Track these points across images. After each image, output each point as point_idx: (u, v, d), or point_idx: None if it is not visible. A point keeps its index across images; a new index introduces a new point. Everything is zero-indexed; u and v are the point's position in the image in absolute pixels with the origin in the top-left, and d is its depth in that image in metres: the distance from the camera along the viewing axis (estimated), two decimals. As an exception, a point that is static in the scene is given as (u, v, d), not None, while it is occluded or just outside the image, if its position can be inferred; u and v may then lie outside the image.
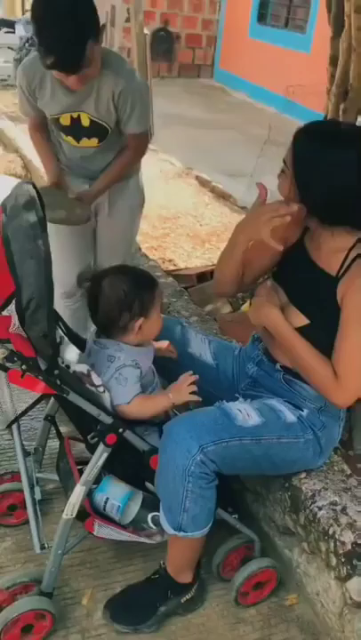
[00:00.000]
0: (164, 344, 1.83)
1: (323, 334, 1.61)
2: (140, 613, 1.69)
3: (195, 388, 1.67)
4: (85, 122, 2.06)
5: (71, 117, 2.07)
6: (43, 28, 1.83)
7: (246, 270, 1.82)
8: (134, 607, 1.70)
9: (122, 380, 1.61)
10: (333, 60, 2.68)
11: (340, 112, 2.62)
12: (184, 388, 1.66)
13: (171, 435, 1.57)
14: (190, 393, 1.66)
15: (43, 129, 2.25)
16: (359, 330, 1.56)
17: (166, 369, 1.79)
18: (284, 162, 1.59)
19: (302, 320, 1.65)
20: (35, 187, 1.45)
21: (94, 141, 2.12)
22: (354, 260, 1.58)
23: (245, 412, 1.63)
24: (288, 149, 1.58)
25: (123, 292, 1.60)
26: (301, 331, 1.63)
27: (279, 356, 1.76)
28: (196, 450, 1.51)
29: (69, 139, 2.15)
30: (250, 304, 1.78)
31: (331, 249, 1.64)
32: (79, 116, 2.05)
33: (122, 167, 2.24)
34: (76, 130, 2.10)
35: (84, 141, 2.13)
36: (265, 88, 8.84)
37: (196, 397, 1.67)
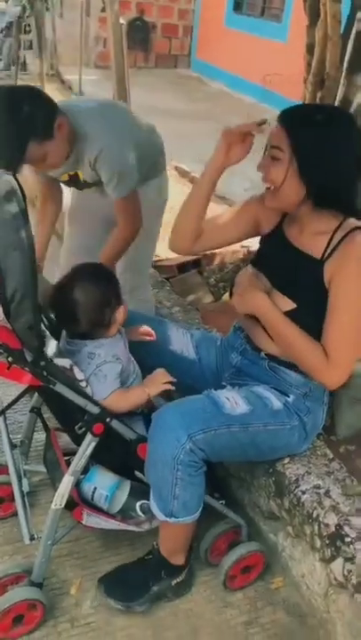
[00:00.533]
0: (138, 329, 1.84)
1: (310, 317, 1.62)
2: (133, 591, 1.72)
3: (169, 378, 1.68)
4: (82, 177, 2.19)
5: (69, 175, 2.20)
6: None
7: (209, 229, 1.81)
8: (128, 584, 1.73)
9: (101, 376, 1.62)
10: (310, 49, 2.68)
11: (318, 100, 2.64)
12: (158, 379, 1.68)
13: (159, 423, 1.58)
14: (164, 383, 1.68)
15: (48, 192, 2.43)
16: (349, 309, 1.58)
17: (150, 368, 1.76)
18: (275, 147, 1.57)
19: (288, 304, 1.65)
20: (15, 177, 1.44)
21: (94, 188, 2.25)
22: (340, 241, 1.60)
23: (233, 400, 1.65)
24: (275, 136, 1.56)
25: (99, 292, 1.62)
26: (288, 315, 1.64)
27: (263, 343, 1.77)
28: (184, 438, 1.53)
29: (72, 189, 2.34)
30: (230, 293, 1.79)
31: (314, 231, 1.65)
32: (76, 173, 2.18)
33: (115, 243, 2.21)
34: (76, 183, 2.24)
35: (87, 190, 2.28)
36: (242, 77, 8.83)
37: (169, 387, 1.68)
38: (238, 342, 1.86)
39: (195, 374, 1.90)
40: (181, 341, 1.95)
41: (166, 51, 10.87)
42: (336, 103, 2.76)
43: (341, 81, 2.74)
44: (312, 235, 1.66)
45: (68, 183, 2.26)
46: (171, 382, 1.69)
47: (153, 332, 1.86)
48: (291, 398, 1.73)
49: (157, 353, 1.86)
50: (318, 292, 1.61)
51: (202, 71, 10.34)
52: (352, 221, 1.62)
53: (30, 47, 7.99)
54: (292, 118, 1.58)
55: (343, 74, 2.72)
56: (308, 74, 2.70)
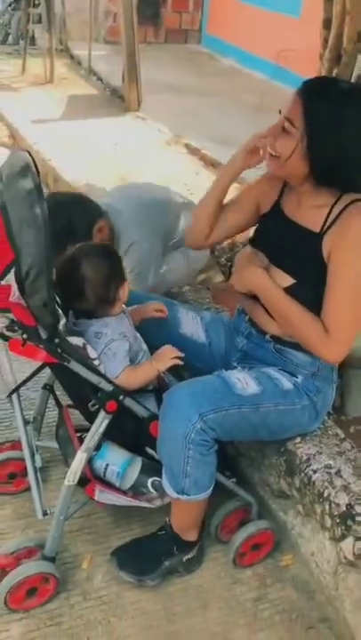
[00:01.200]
0: (148, 305, 1.85)
1: (309, 292, 1.61)
2: (145, 565, 1.74)
3: (177, 353, 1.69)
4: None
5: None
6: None
7: (218, 224, 1.83)
8: (140, 559, 1.75)
9: (110, 355, 1.62)
10: (327, 24, 2.63)
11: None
12: (166, 354, 1.68)
13: (171, 403, 1.58)
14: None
15: None
16: (349, 283, 1.57)
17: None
18: (289, 120, 1.55)
19: (287, 280, 1.64)
20: (30, 154, 1.43)
21: None
22: (339, 214, 1.58)
23: (244, 381, 1.65)
24: (291, 108, 1.55)
25: (107, 267, 1.62)
26: (287, 291, 1.63)
27: (266, 325, 1.76)
28: (196, 418, 1.53)
29: None
30: (229, 274, 1.79)
31: (312, 205, 1.64)
32: None
33: None
34: None
35: None
36: (253, 54, 8.67)
37: (178, 361, 1.68)
38: (243, 326, 1.85)
39: (204, 358, 1.90)
40: (191, 324, 1.94)
41: (177, 26, 10.67)
42: (353, 80, 2.72)
43: (358, 57, 2.70)
44: (310, 208, 1.64)
45: None
46: (179, 357, 1.69)
47: (165, 307, 1.86)
48: (299, 379, 1.73)
49: (167, 336, 1.85)
50: (317, 267, 1.60)
51: (212, 47, 10.16)
52: (350, 195, 1.60)
53: (39, 21, 7.84)
54: (311, 93, 1.54)
55: None
56: (325, 50, 2.65)
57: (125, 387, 1.62)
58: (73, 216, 2.09)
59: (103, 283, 1.61)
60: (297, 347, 1.71)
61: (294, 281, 1.64)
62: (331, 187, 1.60)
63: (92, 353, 1.59)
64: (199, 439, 1.55)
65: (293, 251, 1.65)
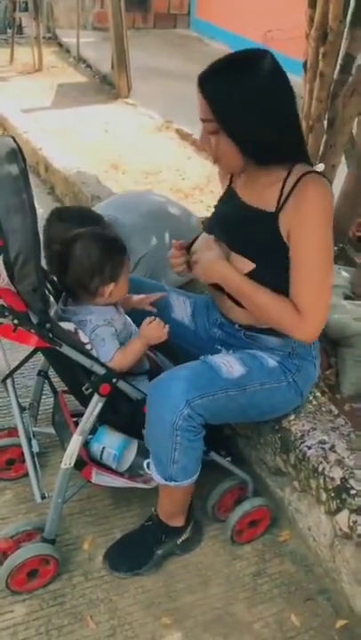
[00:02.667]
0: (139, 297, 1.84)
1: (272, 275, 1.59)
2: (138, 559, 1.76)
3: (162, 324, 1.67)
4: None
5: None
6: None
7: None
8: (131, 553, 1.77)
9: (99, 340, 1.62)
10: (312, 2, 2.61)
11: (320, 56, 2.58)
12: (153, 327, 1.66)
13: (157, 390, 1.58)
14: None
15: None
16: (315, 261, 1.54)
17: None
18: (204, 120, 1.52)
19: (248, 265, 1.61)
20: (15, 140, 1.43)
21: None
22: (292, 189, 1.54)
23: (229, 364, 1.65)
24: (200, 108, 1.51)
25: (95, 256, 1.59)
26: (249, 276, 1.60)
27: (232, 314, 1.75)
28: (183, 404, 1.53)
29: None
30: (187, 263, 1.74)
31: (263, 183, 1.60)
32: None
33: None
34: None
35: None
36: (243, 36, 8.61)
37: (165, 330, 1.67)
38: (215, 316, 1.84)
39: (193, 341, 1.90)
40: (182, 309, 1.94)
41: (165, 10, 10.57)
42: (339, 59, 2.71)
43: (344, 35, 2.68)
44: (262, 187, 1.61)
45: None
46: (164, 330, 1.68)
47: (155, 304, 1.85)
48: (278, 359, 1.72)
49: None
50: (276, 247, 1.57)
51: (202, 31, 10.08)
52: (301, 167, 1.57)
53: (26, 9, 7.78)
54: (205, 84, 1.49)
55: (346, 27, 2.67)
56: (310, 28, 2.63)
57: (119, 368, 1.63)
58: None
59: (86, 269, 1.59)
60: (267, 331, 1.70)
61: (255, 265, 1.60)
62: (276, 162, 1.56)
63: (83, 338, 1.61)
64: (186, 425, 1.54)
65: (250, 234, 1.62)
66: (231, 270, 1.62)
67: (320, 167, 1.67)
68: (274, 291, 1.59)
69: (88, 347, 1.61)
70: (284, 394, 1.73)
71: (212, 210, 1.83)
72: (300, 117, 2.81)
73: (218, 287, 1.70)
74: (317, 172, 1.56)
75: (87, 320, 1.63)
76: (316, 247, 1.53)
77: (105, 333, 1.63)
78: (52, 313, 1.58)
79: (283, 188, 1.56)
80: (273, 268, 1.59)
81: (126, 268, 1.67)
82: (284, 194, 1.56)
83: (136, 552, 1.77)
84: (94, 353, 1.61)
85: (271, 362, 1.70)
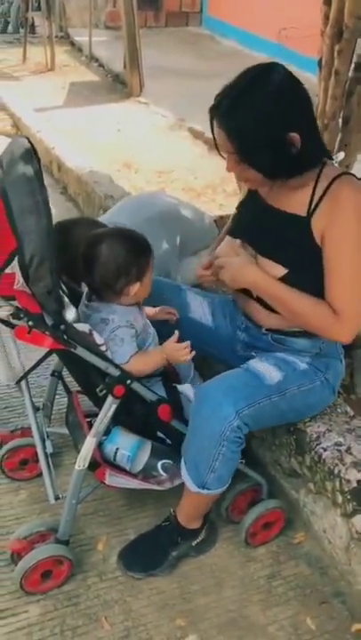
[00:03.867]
0: (153, 310, 1.82)
1: (304, 278, 1.57)
2: (152, 559, 1.75)
3: (187, 348, 1.67)
4: None
5: None
6: None
7: None
8: (146, 554, 1.76)
9: (118, 340, 1.63)
10: None
11: (336, 54, 2.56)
12: (177, 348, 1.67)
13: (205, 400, 1.57)
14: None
15: None
16: (350, 261, 1.53)
17: (168, 336, 1.74)
18: (226, 152, 1.52)
19: (279, 270, 1.59)
20: (29, 141, 1.43)
21: None
22: (324, 192, 1.53)
23: (268, 370, 1.65)
24: (218, 142, 1.52)
25: (122, 257, 1.60)
26: (282, 280, 1.58)
27: (260, 319, 1.73)
28: (233, 416, 1.53)
29: None
30: (210, 267, 1.72)
31: (292, 187, 1.57)
32: None
33: None
34: None
35: None
36: (255, 34, 8.57)
37: (187, 358, 1.67)
38: (240, 320, 1.83)
39: (213, 342, 1.89)
40: (200, 309, 1.93)
41: (177, 8, 10.55)
42: (354, 56, 2.68)
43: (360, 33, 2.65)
44: (291, 190, 1.58)
45: None
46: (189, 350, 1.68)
47: (176, 313, 1.85)
48: (308, 360, 1.72)
49: (176, 321, 1.85)
50: (309, 251, 1.55)
51: (214, 28, 10.05)
52: (331, 169, 1.56)
53: (38, 8, 7.82)
54: (221, 116, 1.48)
55: (362, 24, 2.64)
56: (326, 26, 2.61)
57: (134, 373, 1.63)
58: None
59: (112, 270, 1.60)
60: (295, 334, 1.69)
61: (286, 270, 1.58)
62: (300, 171, 1.53)
63: (98, 339, 1.60)
64: (234, 436, 1.54)
65: (281, 238, 1.60)
66: (263, 276, 1.59)
67: (341, 155, 1.65)
68: (308, 293, 1.57)
69: (103, 348, 1.60)
70: (318, 393, 1.72)
71: (230, 211, 1.81)
72: (315, 115, 2.80)
73: (245, 291, 1.69)
74: (349, 173, 1.56)
75: (110, 319, 1.63)
76: (352, 249, 1.52)
77: (125, 334, 1.63)
78: (72, 314, 1.58)
79: (314, 191, 1.54)
80: (306, 272, 1.57)
81: (151, 267, 1.67)
82: (315, 197, 1.54)
83: (151, 553, 1.77)
84: (110, 353, 1.61)
85: (302, 364, 1.70)
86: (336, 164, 1.60)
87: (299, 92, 1.48)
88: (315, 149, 1.54)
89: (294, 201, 1.58)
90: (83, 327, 1.59)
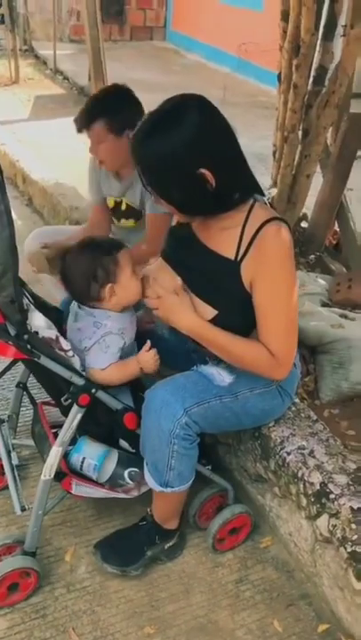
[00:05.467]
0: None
1: (233, 320, 1.59)
2: (128, 556, 1.76)
3: (157, 356, 1.70)
4: (124, 206, 2.40)
5: (115, 201, 2.42)
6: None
7: None
8: (123, 550, 1.77)
9: (104, 346, 1.65)
10: (285, 16, 2.66)
11: (294, 68, 2.63)
12: (152, 360, 1.69)
13: (154, 399, 1.60)
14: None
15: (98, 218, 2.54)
16: (281, 308, 1.54)
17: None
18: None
19: (210, 312, 1.59)
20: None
21: (131, 222, 2.42)
22: (253, 238, 1.52)
23: (218, 373, 1.67)
24: None
25: (84, 264, 1.64)
26: (212, 321, 1.59)
27: (203, 350, 1.70)
28: (180, 413, 1.55)
29: (114, 219, 2.50)
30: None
31: (220, 227, 1.58)
32: (121, 200, 2.39)
33: (137, 248, 2.27)
34: (115, 212, 2.45)
35: (123, 222, 2.45)
36: (218, 48, 8.71)
37: (158, 364, 1.70)
38: (183, 347, 1.77)
39: (170, 353, 1.83)
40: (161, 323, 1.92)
41: (141, 23, 10.65)
42: (312, 70, 2.76)
43: (317, 48, 2.73)
44: (220, 230, 1.58)
45: (112, 211, 2.45)
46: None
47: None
48: None
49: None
50: (239, 295, 1.56)
51: (178, 43, 10.17)
52: (261, 210, 1.55)
53: (2, 22, 7.78)
54: (132, 142, 1.51)
55: (319, 40, 2.72)
56: (284, 41, 2.68)
57: (106, 381, 1.65)
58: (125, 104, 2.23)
59: (80, 278, 1.63)
60: None
61: (216, 312, 1.59)
62: (227, 209, 1.54)
63: (65, 345, 1.60)
64: (183, 433, 1.57)
65: (212, 280, 1.60)
66: (198, 322, 1.58)
67: (273, 191, 1.67)
68: (238, 334, 1.58)
69: (69, 354, 1.61)
70: (273, 398, 1.74)
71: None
72: (276, 128, 2.86)
73: None
74: (277, 218, 1.54)
75: (103, 323, 1.65)
76: (282, 295, 1.54)
77: (113, 343, 1.66)
78: (39, 320, 1.59)
79: (242, 234, 1.54)
80: (235, 314, 1.59)
81: (124, 266, 1.65)
82: (244, 242, 1.54)
83: (128, 549, 1.78)
84: (75, 360, 1.61)
85: None
86: (267, 203, 1.62)
87: (215, 128, 1.47)
88: (235, 186, 1.52)
89: (223, 242, 1.57)
90: (49, 333, 1.59)
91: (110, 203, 2.43)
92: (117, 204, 2.41)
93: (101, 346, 1.65)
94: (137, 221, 2.41)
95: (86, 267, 1.63)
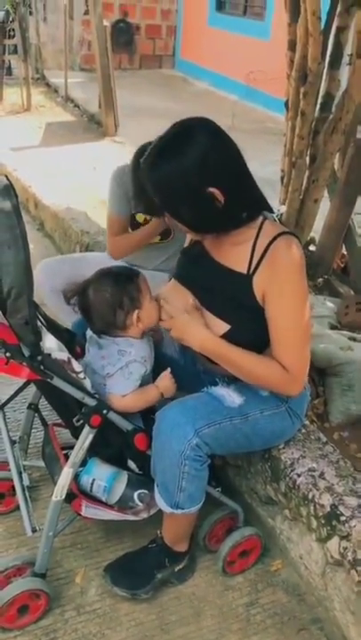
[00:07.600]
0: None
1: (246, 335, 1.61)
2: (138, 579, 1.76)
3: (173, 379, 1.74)
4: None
5: (145, 218, 2.45)
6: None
7: None
8: (133, 573, 1.77)
9: (127, 372, 1.68)
10: (292, 45, 2.72)
11: (301, 96, 2.68)
12: (169, 379, 1.73)
13: (165, 420, 1.61)
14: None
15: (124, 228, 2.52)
16: (295, 322, 1.56)
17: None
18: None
19: (222, 327, 1.61)
20: (7, 177, 1.48)
21: (157, 238, 2.49)
22: (264, 251, 1.55)
23: (228, 394, 1.68)
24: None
25: (108, 294, 1.66)
26: (225, 337, 1.60)
27: (214, 369, 1.73)
28: (191, 434, 1.56)
29: None
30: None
31: (232, 242, 1.61)
32: (151, 217, 2.42)
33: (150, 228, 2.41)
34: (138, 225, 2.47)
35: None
36: (226, 76, 8.87)
37: (175, 388, 1.73)
38: (193, 369, 1.82)
39: (182, 376, 1.85)
40: (169, 343, 1.93)
41: (150, 52, 10.89)
42: (319, 98, 2.81)
43: (323, 76, 2.79)
44: (232, 246, 1.62)
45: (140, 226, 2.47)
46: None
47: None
48: (267, 392, 1.73)
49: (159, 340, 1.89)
50: (251, 309, 1.58)
51: (186, 71, 10.37)
52: (271, 226, 1.59)
53: (15, 51, 7.98)
54: (143, 165, 1.55)
55: (325, 68, 2.78)
56: (291, 70, 2.74)
57: (125, 408, 1.68)
58: None
59: (106, 309, 1.66)
60: None
61: (229, 327, 1.60)
62: (238, 226, 1.58)
63: (77, 367, 1.62)
64: (194, 455, 1.57)
65: (224, 295, 1.62)
66: (215, 341, 1.60)
67: (283, 209, 1.71)
68: (251, 349, 1.60)
69: (81, 375, 1.63)
70: (282, 419, 1.74)
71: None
72: (284, 153, 2.91)
73: None
74: (288, 233, 1.58)
75: (127, 351, 1.68)
76: (294, 307, 1.56)
77: (136, 370, 1.68)
78: (51, 342, 1.61)
79: (254, 248, 1.57)
80: (248, 329, 1.61)
81: (144, 291, 1.69)
82: (255, 256, 1.57)
83: (137, 573, 1.77)
84: (87, 382, 1.63)
85: (264, 392, 1.72)
86: (277, 219, 1.65)
87: (223, 148, 1.51)
88: (244, 203, 1.56)
89: (235, 257, 1.61)
90: (62, 355, 1.61)
91: (140, 218, 2.46)
92: (147, 221, 2.44)
93: (124, 372, 1.67)
94: (163, 239, 2.44)
95: (111, 297, 1.66)
